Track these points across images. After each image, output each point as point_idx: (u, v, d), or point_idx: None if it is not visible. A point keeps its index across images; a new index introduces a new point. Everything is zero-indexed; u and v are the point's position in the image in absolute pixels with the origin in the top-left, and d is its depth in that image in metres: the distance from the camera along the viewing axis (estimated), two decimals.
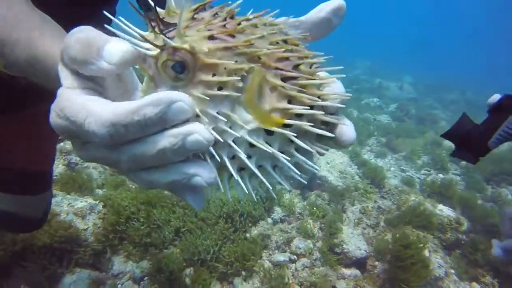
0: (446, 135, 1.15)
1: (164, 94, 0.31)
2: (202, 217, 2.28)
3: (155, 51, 0.35)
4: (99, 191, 2.70)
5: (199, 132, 0.32)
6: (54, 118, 0.34)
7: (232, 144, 0.37)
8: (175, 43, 0.34)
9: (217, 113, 0.36)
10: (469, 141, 1.07)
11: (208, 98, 0.35)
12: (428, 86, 9.23)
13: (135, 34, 0.35)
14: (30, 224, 1.43)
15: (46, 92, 0.48)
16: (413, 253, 1.95)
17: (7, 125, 1.06)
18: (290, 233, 2.32)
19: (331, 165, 3.05)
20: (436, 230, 2.37)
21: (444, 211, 2.47)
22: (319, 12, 0.46)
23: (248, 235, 2.25)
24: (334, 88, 0.42)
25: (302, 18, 0.47)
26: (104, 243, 2.13)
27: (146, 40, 0.34)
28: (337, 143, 0.44)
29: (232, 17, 0.40)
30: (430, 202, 2.59)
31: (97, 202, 2.38)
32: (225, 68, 0.35)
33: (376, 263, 2.11)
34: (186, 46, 0.34)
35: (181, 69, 0.35)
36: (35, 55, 0.47)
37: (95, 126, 0.31)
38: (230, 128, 0.37)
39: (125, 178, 2.80)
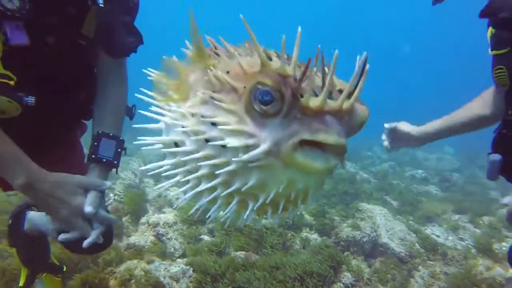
0: None
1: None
2: (280, 280, 2.54)
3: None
4: (183, 259, 3.08)
5: None
6: None
7: None
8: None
9: None
10: None
11: None
12: (470, 153, 9.14)
13: None
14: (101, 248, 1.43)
15: None
16: None
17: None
18: None
19: (391, 233, 3.26)
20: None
21: None
22: None
23: None
24: None
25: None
26: None
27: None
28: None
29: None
30: (501, 265, 2.67)
31: (188, 267, 2.74)
32: None
33: None
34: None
35: None
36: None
37: None
38: None
39: (201, 246, 3.18)
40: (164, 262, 2.82)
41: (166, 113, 0.71)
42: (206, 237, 3.60)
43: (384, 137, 1.77)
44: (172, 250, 3.25)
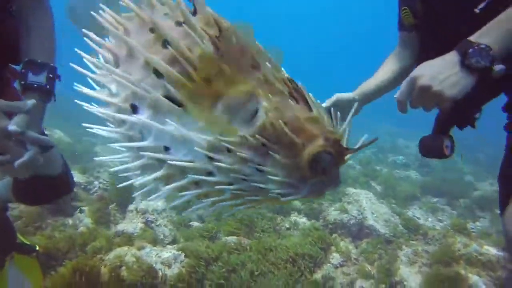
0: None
1: None
2: (273, 262, 2.60)
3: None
4: (174, 245, 3.08)
5: None
6: None
7: None
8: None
9: None
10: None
11: None
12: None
13: None
14: (54, 183, 1.42)
15: None
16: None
17: None
18: (352, 275, 2.59)
19: (376, 215, 3.37)
20: (486, 268, 2.59)
21: (490, 250, 2.70)
22: None
23: (315, 276, 2.53)
24: None
25: None
26: (186, 284, 2.43)
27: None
28: None
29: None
30: (476, 243, 2.83)
31: (179, 252, 2.75)
32: None
33: None
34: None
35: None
36: None
37: None
38: None
39: (193, 232, 3.19)
40: (155, 248, 2.81)
41: (198, 136, 0.66)
42: (196, 223, 3.62)
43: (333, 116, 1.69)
44: (162, 236, 3.24)
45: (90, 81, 0.84)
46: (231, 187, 0.66)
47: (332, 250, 2.85)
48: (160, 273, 2.49)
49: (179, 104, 0.65)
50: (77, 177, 3.86)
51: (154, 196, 0.74)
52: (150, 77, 0.68)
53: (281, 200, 0.66)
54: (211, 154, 0.65)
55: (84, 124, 0.80)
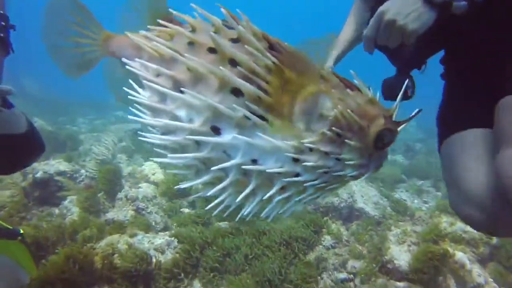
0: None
1: None
2: (267, 245, 2.62)
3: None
4: (165, 232, 3.07)
5: None
6: None
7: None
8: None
9: None
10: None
11: None
12: (430, 125, 9.78)
13: None
14: (22, 142, 1.34)
15: None
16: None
17: None
18: (344, 256, 2.65)
19: (366, 198, 3.45)
20: (469, 245, 2.70)
21: None
22: None
23: (308, 257, 2.58)
24: None
25: None
26: (181, 269, 2.43)
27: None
28: None
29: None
30: (460, 222, 2.94)
31: (172, 238, 2.74)
32: None
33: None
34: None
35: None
36: None
37: None
38: None
39: (185, 218, 3.18)
40: (147, 235, 2.79)
41: (284, 143, 0.70)
42: (187, 210, 3.60)
43: None
44: (154, 223, 3.22)
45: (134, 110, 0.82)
46: (316, 182, 0.73)
47: (324, 233, 2.91)
48: (154, 260, 2.48)
49: (261, 118, 0.69)
50: (63, 165, 3.75)
51: (247, 211, 0.79)
52: (230, 98, 0.70)
53: (353, 180, 0.79)
54: (296, 156, 0.70)
55: (155, 160, 0.81)
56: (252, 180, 0.74)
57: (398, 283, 2.39)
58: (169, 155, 0.77)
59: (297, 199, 0.76)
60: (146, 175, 4.09)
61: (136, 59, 0.80)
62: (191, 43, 0.75)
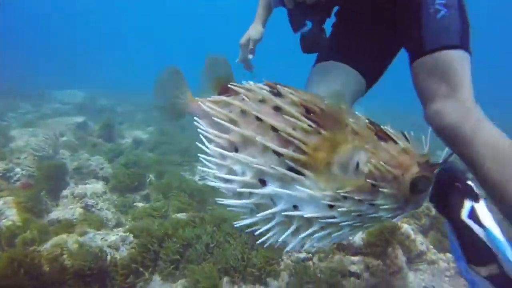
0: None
1: None
2: (228, 232, 2.62)
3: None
4: (119, 228, 2.90)
5: None
6: None
7: None
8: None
9: None
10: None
11: None
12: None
13: None
14: None
15: None
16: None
17: None
18: None
19: None
20: (413, 217, 2.97)
21: None
22: None
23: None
24: None
25: None
26: (139, 264, 2.32)
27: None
28: None
29: None
30: None
31: (127, 234, 2.60)
32: None
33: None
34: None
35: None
36: None
37: None
38: None
39: (140, 212, 3.03)
40: (100, 232, 2.62)
41: (321, 193, 0.81)
42: (140, 204, 3.45)
43: (246, 56, 1.97)
44: (105, 220, 3.02)
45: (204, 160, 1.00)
46: (350, 222, 0.82)
47: None
48: (109, 257, 2.34)
49: (299, 173, 0.82)
50: None
51: (292, 246, 0.91)
52: (272, 157, 0.85)
53: (391, 220, 0.85)
54: (332, 203, 0.80)
55: (219, 200, 0.97)
56: (294, 222, 0.88)
57: (353, 258, 2.55)
58: (230, 200, 0.95)
59: (335, 235, 0.87)
60: (93, 170, 3.81)
61: (201, 121, 1.05)
62: (243, 111, 0.95)
